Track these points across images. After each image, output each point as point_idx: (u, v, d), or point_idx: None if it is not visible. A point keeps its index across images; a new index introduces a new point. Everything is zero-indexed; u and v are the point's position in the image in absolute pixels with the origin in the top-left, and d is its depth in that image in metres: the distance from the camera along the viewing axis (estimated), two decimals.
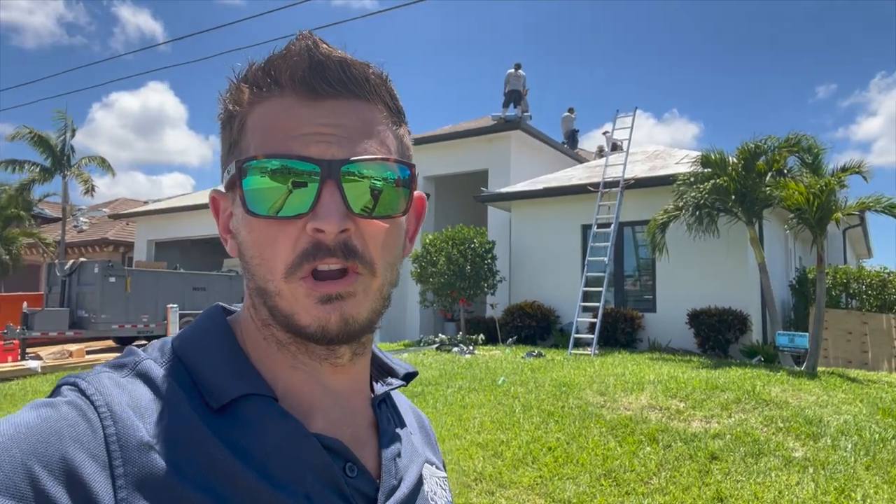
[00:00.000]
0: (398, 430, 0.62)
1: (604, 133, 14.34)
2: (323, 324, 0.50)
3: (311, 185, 0.49)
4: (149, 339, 13.52)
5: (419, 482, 0.60)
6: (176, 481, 0.44)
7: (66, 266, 13.39)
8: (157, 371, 0.50)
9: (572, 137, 17.97)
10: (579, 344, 10.05)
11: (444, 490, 0.65)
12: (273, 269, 0.51)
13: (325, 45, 0.52)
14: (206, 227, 18.04)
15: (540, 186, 12.46)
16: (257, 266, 0.52)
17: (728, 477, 4.04)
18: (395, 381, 0.65)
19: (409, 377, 0.67)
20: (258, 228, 0.51)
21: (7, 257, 19.79)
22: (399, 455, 0.59)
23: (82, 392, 0.46)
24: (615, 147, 13.65)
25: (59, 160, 18.98)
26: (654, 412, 5.35)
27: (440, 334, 11.73)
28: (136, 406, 0.47)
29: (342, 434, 0.55)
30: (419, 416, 0.72)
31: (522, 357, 8.82)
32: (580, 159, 17.11)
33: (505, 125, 14.51)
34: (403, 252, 0.58)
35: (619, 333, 10.66)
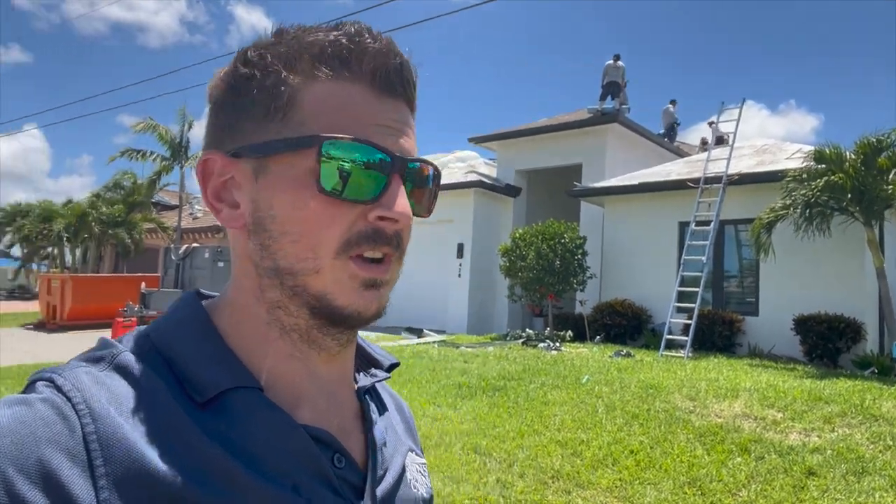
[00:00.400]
0: (383, 420, 0.63)
1: (709, 123, 13.64)
2: (360, 309, 0.51)
3: (381, 176, 0.50)
4: None
5: (402, 470, 0.61)
6: (160, 478, 0.43)
7: (181, 250, 14.44)
8: (136, 364, 0.48)
9: (672, 131, 17.25)
10: (672, 345, 9.68)
11: (424, 476, 0.65)
12: (319, 246, 0.50)
13: (397, 46, 0.54)
14: None
15: (636, 181, 12.07)
16: (292, 243, 0.50)
17: (825, 494, 3.78)
18: (381, 374, 0.65)
19: (392, 368, 0.68)
20: (315, 206, 0.50)
21: (130, 241, 21.62)
22: (385, 445, 0.60)
23: (58, 388, 0.44)
24: (720, 140, 12.97)
25: (178, 151, 20.42)
26: (748, 421, 5.08)
27: (527, 329, 11.66)
28: (116, 402, 0.45)
29: (329, 424, 0.54)
30: (399, 403, 0.72)
31: (610, 356, 8.62)
32: (680, 153, 16.39)
33: (601, 118, 14.15)
34: None
35: (716, 337, 10.17)
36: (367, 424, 0.60)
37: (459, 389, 6.30)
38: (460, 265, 14.68)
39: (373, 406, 0.62)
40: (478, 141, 16.26)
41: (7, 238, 29.89)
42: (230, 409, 0.49)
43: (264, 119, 0.51)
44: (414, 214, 0.53)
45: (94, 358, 0.49)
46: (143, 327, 0.54)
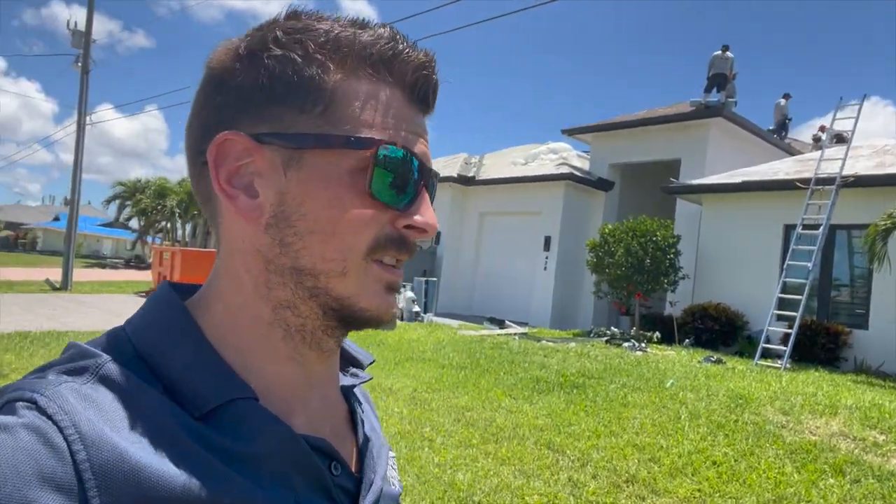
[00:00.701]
0: (367, 419, 0.62)
1: (820, 129, 12.70)
2: (382, 312, 0.51)
3: (412, 185, 0.50)
4: None
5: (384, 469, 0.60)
6: (164, 500, 0.40)
7: None
8: (123, 375, 0.44)
9: (783, 127, 16.18)
10: (768, 355, 9.15)
11: (394, 469, 0.65)
12: (349, 248, 0.49)
13: (436, 61, 0.54)
14: None
15: (739, 179, 11.44)
16: (321, 243, 0.48)
17: None
18: (363, 374, 0.65)
19: (369, 365, 0.67)
20: (356, 207, 0.48)
21: None
22: (374, 446, 0.59)
23: (42, 410, 0.39)
24: (838, 139, 12.05)
25: None
26: (846, 441, 4.74)
27: (612, 327, 11.39)
28: (108, 420, 0.41)
29: (324, 430, 0.54)
30: (365, 394, 0.69)
31: (699, 361, 8.27)
32: (791, 151, 15.35)
33: (705, 111, 13.48)
34: None
35: (819, 349, 9.52)
36: (356, 426, 0.59)
37: (537, 384, 6.26)
38: (546, 258, 14.51)
39: (359, 407, 0.62)
40: (571, 133, 15.94)
41: (126, 211, 32.50)
42: (228, 421, 0.46)
43: (300, 109, 0.48)
44: None
45: (75, 369, 0.44)
46: (117, 329, 0.50)
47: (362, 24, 0.51)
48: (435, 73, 0.53)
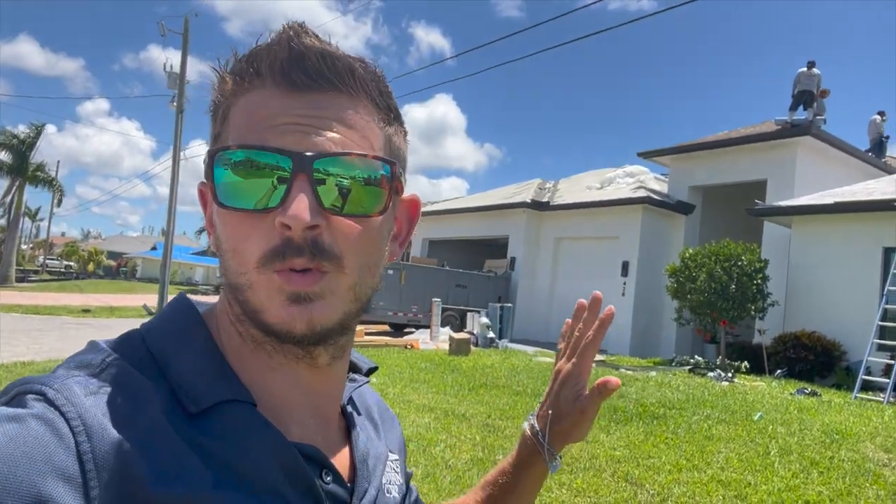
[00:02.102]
0: (363, 429, 0.62)
1: None
2: (288, 325, 0.48)
3: (282, 179, 0.47)
4: (417, 327, 15.05)
5: (381, 478, 0.61)
6: (153, 499, 0.41)
7: None
8: (129, 371, 0.46)
9: (880, 145, 15.22)
10: (869, 387, 8.52)
11: (398, 474, 0.64)
12: (246, 260, 0.48)
13: (308, 37, 0.49)
14: (474, 228, 19.31)
15: (830, 200, 10.84)
16: (230, 259, 0.50)
17: None
18: (360, 378, 0.65)
19: (370, 372, 0.68)
20: (231, 221, 0.49)
21: None
22: (368, 456, 0.59)
23: (51, 402, 0.42)
24: None
25: None
26: None
27: (696, 356, 10.93)
28: (109, 413, 0.43)
29: (316, 438, 0.54)
30: (376, 399, 0.70)
31: (791, 393, 7.80)
32: (888, 170, 14.41)
33: (791, 130, 12.90)
34: (389, 255, 0.56)
35: None
36: (351, 437, 0.60)
37: (614, 413, 6.09)
38: (624, 284, 14.17)
39: (355, 415, 0.62)
40: (647, 155, 15.62)
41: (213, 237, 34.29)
42: (223, 422, 0.47)
43: (217, 141, 0.51)
44: (351, 213, 0.49)
45: (84, 364, 0.46)
46: (133, 330, 0.52)
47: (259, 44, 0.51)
48: (294, 46, 0.49)
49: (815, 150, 13.05)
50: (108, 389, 0.45)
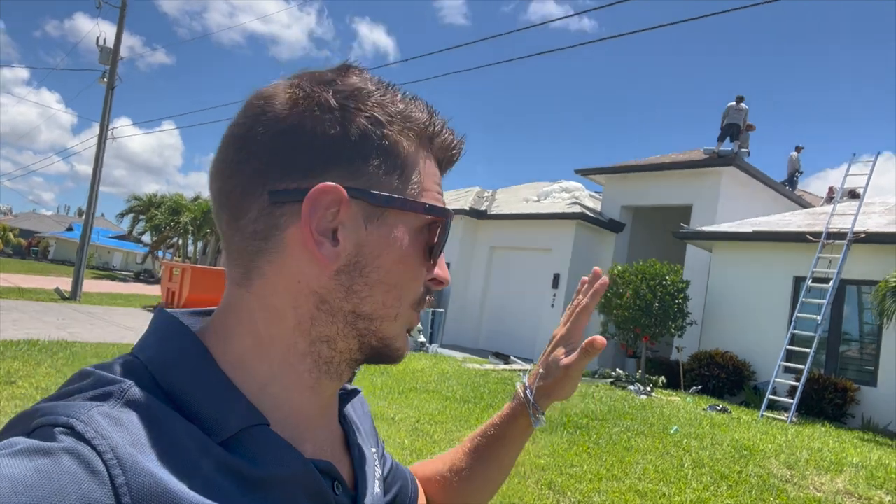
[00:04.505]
0: (359, 435, 0.65)
1: (829, 190, 12.77)
2: (406, 351, 0.58)
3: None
4: None
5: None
6: None
7: None
8: (149, 400, 0.46)
9: (793, 179, 16.28)
10: (774, 406, 9.07)
11: (378, 467, 0.67)
12: (404, 298, 0.55)
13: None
14: None
15: (749, 229, 11.48)
16: (384, 293, 0.53)
17: None
18: (350, 386, 0.67)
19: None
20: (417, 263, 0.55)
21: None
22: (366, 463, 0.63)
23: (80, 436, 0.41)
24: (851, 194, 12.11)
25: None
26: (851, 500, 4.68)
27: (618, 369, 11.32)
28: (138, 444, 0.42)
29: (326, 452, 0.57)
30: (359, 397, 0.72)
31: (704, 409, 8.20)
32: (802, 203, 15.42)
33: (717, 160, 13.59)
34: None
35: (826, 403, 9.42)
36: (349, 443, 0.63)
37: None
38: (554, 296, 14.51)
39: (352, 424, 0.65)
40: (584, 173, 16.08)
41: (140, 225, 32.80)
42: (244, 446, 0.48)
43: (384, 170, 0.52)
44: None
45: (103, 395, 0.45)
46: (129, 357, 0.51)
47: (410, 98, 0.57)
48: (461, 153, 0.61)
49: (737, 180, 13.80)
50: (134, 419, 0.44)
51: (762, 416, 8.53)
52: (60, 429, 0.41)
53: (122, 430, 0.42)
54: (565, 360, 0.79)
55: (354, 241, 0.52)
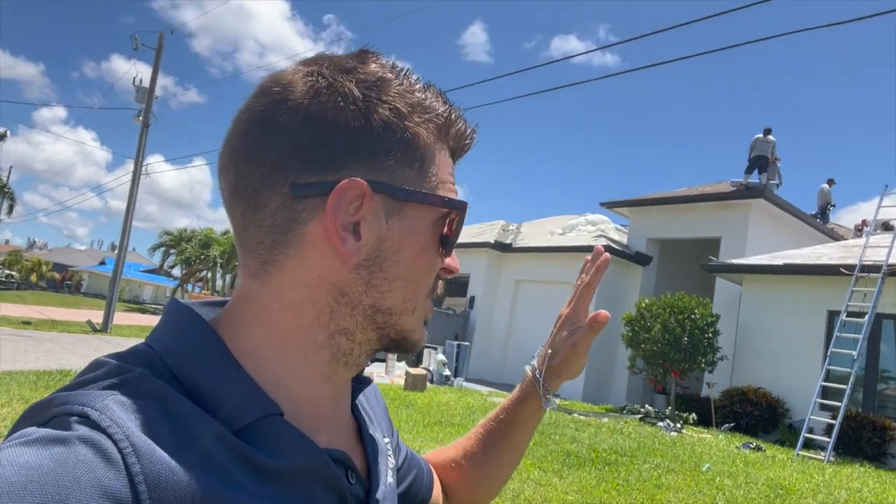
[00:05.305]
0: (371, 425, 0.65)
1: (860, 224, 12.52)
2: (423, 340, 0.58)
3: None
4: (372, 361, 14.72)
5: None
6: None
7: None
8: (163, 389, 0.45)
9: (825, 212, 16.02)
10: (811, 445, 8.77)
11: (391, 457, 0.66)
12: (421, 290, 0.55)
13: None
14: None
15: (780, 262, 11.28)
16: (403, 287, 0.53)
17: None
18: (364, 378, 0.66)
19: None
20: (434, 256, 0.55)
21: None
22: (378, 453, 0.62)
23: (95, 424, 0.40)
24: (884, 227, 11.87)
25: None
26: None
27: (647, 405, 11.09)
28: (154, 432, 0.42)
29: (340, 441, 0.57)
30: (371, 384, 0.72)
31: (737, 447, 7.97)
32: (834, 236, 15.14)
33: (746, 192, 13.48)
34: None
35: (864, 442, 9.08)
36: (362, 433, 0.62)
37: (567, 457, 6.11)
38: None
39: (363, 414, 0.65)
40: (610, 206, 16.04)
41: (171, 259, 33.46)
42: (259, 435, 0.47)
43: (406, 164, 0.52)
44: None
45: (119, 383, 0.44)
46: (142, 347, 0.50)
47: (426, 86, 0.55)
48: (474, 142, 0.60)
49: (766, 213, 13.63)
50: (149, 408, 0.43)
51: (798, 454, 8.26)
52: (76, 418, 0.40)
53: (138, 419, 0.42)
54: (572, 339, 0.80)
55: (376, 235, 0.51)
